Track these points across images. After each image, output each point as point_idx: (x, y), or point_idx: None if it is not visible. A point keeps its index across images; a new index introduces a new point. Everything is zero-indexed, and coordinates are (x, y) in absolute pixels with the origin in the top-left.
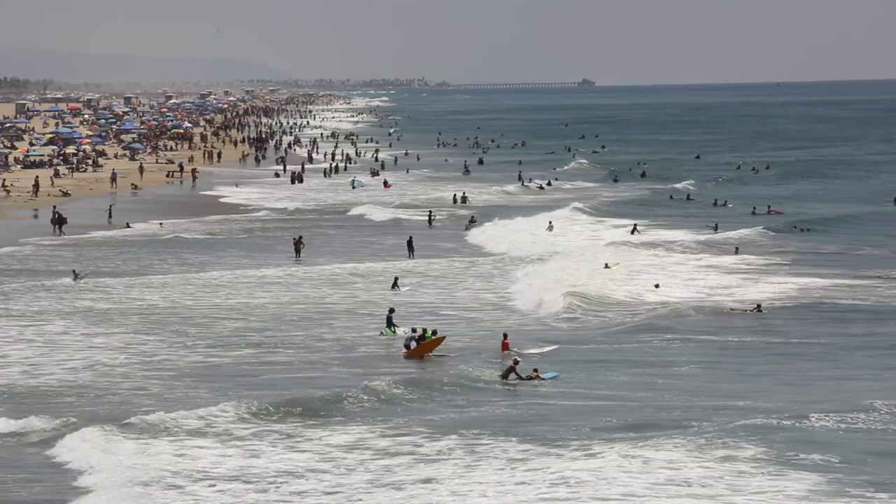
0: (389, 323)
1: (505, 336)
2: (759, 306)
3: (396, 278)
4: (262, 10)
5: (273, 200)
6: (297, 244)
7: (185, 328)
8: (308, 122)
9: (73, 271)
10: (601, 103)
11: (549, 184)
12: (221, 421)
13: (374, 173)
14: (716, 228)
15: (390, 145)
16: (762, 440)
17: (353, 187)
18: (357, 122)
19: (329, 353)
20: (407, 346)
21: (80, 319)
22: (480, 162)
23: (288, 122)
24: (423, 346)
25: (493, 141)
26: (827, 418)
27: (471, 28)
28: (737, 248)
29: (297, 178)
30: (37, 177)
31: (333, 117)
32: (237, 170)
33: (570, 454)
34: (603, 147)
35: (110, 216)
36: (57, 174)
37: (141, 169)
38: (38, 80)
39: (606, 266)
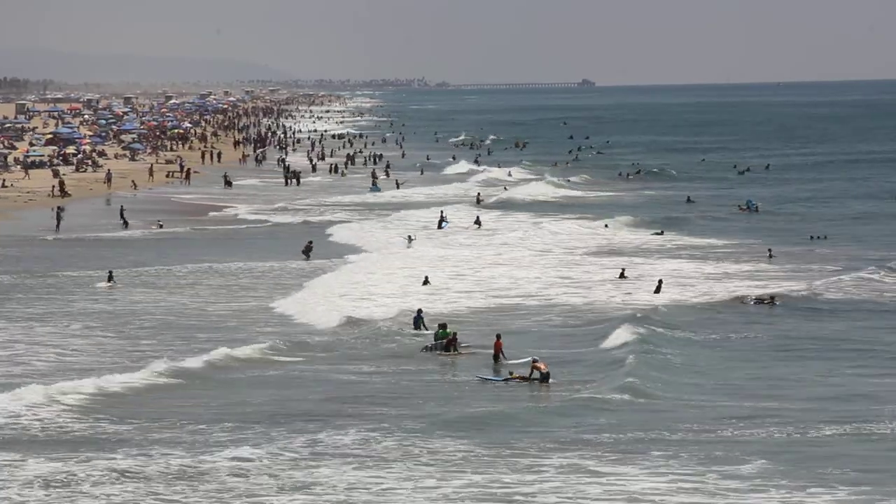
0: (417, 324)
1: (498, 337)
2: (772, 298)
3: (426, 277)
4: (262, 10)
5: (242, 203)
6: (307, 248)
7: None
8: (291, 127)
9: (110, 273)
10: (600, 103)
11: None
12: None
13: (376, 175)
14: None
15: (400, 146)
16: (769, 450)
17: (371, 189)
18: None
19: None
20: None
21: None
22: (476, 162)
23: (286, 123)
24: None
25: (490, 137)
26: (840, 426)
27: (471, 28)
28: (769, 251)
29: (295, 178)
30: (61, 181)
31: (319, 118)
32: (234, 170)
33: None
34: (608, 142)
35: (122, 216)
36: (56, 174)
37: (151, 171)
38: (38, 81)
39: (622, 275)
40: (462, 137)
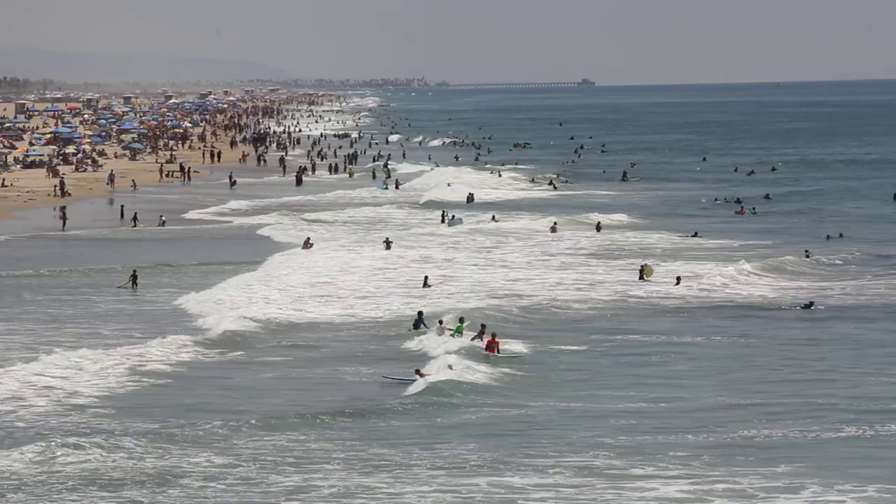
0: (418, 325)
1: (493, 336)
2: (810, 304)
3: (426, 277)
4: (262, 10)
5: (245, 201)
6: (307, 244)
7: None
8: (291, 127)
9: (134, 273)
10: (600, 103)
11: (557, 181)
12: None
13: (376, 175)
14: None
15: (402, 145)
16: (800, 450)
17: (380, 187)
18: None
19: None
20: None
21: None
22: (476, 160)
23: (286, 123)
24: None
25: (486, 138)
26: (859, 427)
27: (471, 28)
28: (807, 252)
29: (297, 178)
30: (62, 180)
31: (320, 118)
32: (235, 170)
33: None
34: (603, 145)
35: (122, 216)
36: (56, 174)
37: (161, 170)
38: (37, 80)
39: (642, 274)
40: (420, 138)
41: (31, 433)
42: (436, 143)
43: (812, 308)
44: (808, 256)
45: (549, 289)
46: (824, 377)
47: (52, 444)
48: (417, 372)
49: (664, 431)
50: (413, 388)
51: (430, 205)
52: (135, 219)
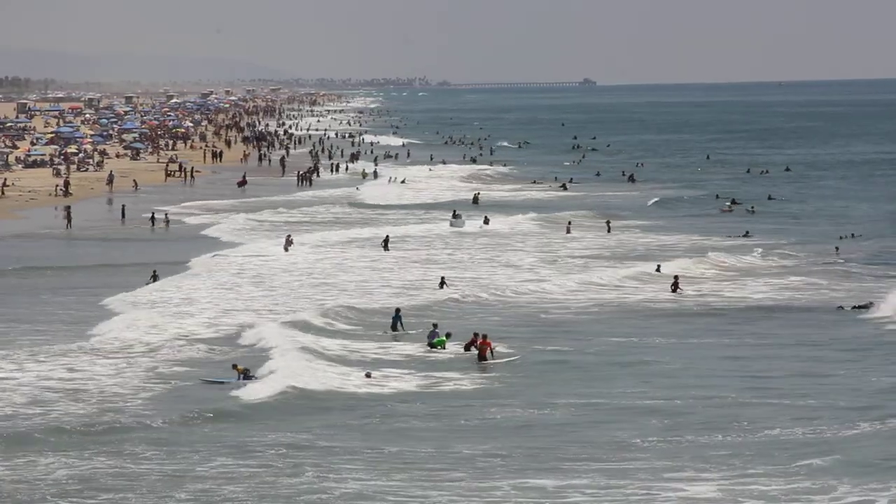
0: (395, 324)
1: (485, 337)
2: (869, 304)
3: (443, 277)
4: (262, 9)
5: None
6: (288, 241)
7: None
8: (293, 126)
9: (154, 272)
10: (602, 102)
11: (568, 183)
12: None
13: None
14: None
15: (404, 145)
16: (828, 450)
17: (391, 182)
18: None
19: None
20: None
21: None
22: (473, 161)
23: (288, 122)
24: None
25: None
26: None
27: (472, 27)
28: (837, 249)
29: (304, 179)
30: (66, 180)
31: (322, 117)
32: (237, 170)
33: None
34: (608, 146)
35: (123, 216)
36: (58, 173)
37: (166, 171)
38: (39, 80)
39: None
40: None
41: (27, 434)
42: (398, 142)
43: (870, 308)
44: (837, 249)
45: (551, 289)
46: (844, 377)
47: (44, 446)
48: (235, 367)
49: (672, 432)
50: (264, 391)
51: (359, 205)
52: (152, 218)
